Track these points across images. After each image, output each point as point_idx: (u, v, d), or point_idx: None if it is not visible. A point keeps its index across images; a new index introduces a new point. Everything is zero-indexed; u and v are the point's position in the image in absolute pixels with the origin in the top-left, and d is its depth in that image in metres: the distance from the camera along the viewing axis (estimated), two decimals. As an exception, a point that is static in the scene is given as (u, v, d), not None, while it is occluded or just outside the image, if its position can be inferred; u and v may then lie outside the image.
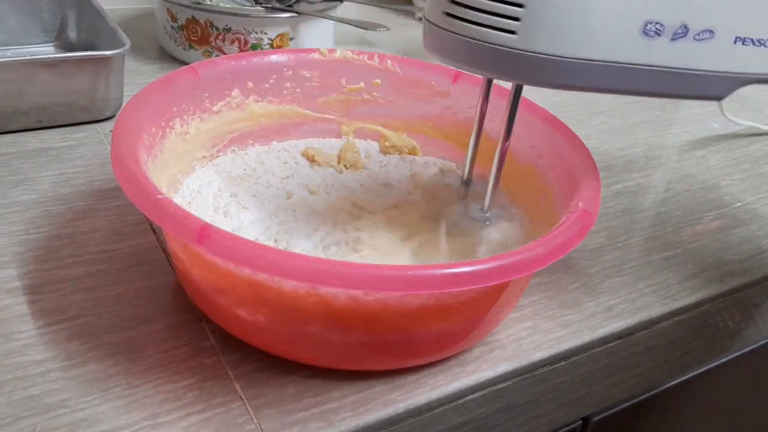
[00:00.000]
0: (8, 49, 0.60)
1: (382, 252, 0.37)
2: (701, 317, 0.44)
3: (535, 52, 0.30)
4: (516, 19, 0.29)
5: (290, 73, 0.45)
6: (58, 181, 0.45)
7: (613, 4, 0.29)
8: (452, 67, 0.34)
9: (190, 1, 0.61)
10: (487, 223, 0.38)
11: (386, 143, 0.48)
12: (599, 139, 0.61)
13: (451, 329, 0.33)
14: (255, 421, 0.31)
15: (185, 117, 0.41)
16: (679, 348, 0.44)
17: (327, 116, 0.47)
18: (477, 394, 0.35)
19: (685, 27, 0.30)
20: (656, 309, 0.41)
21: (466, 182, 0.40)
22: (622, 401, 0.47)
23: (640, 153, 0.59)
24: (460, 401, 0.35)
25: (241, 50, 0.62)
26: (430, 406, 0.34)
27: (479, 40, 0.30)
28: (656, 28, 0.30)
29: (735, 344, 0.50)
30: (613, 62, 0.30)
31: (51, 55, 0.51)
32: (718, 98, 0.34)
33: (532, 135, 0.42)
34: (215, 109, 0.43)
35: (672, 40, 0.30)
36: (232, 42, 0.61)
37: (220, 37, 0.61)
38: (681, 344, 0.44)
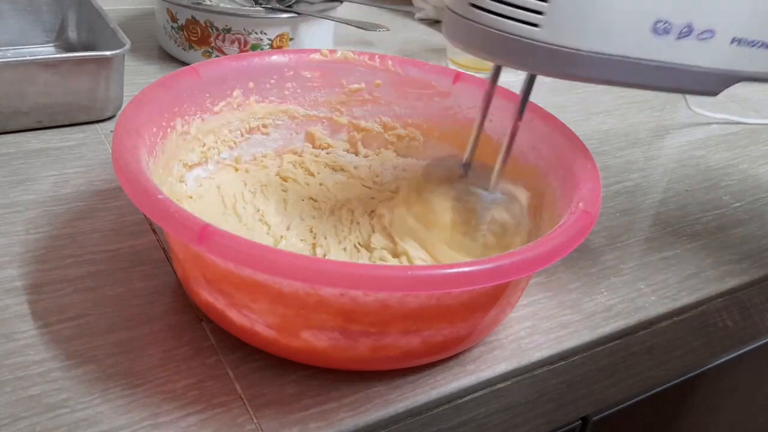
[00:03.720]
0: (9, 50, 0.61)
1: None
2: (701, 317, 0.44)
3: (555, 45, 0.32)
4: (540, 12, 0.31)
5: (291, 73, 0.45)
6: (58, 182, 0.45)
7: (628, 1, 0.31)
8: (474, 56, 0.36)
9: (190, 2, 0.61)
10: (492, 202, 0.38)
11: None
12: (599, 139, 0.61)
13: (451, 330, 0.33)
14: (255, 421, 0.31)
15: (186, 117, 0.41)
16: (679, 348, 0.44)
17: (328, 116, 0.47)
18: (477, 394, 0.35)
19: (690, 26, 0.32)
20: (656, 309, 0.41)
21: (466, 165, 0.40)
22: (621, 401, 0.47)
23: (639, 153, 0.59)
24: (460, 401, 0.35)
25: (241, 50, 0.62)
26: (429, 406, 0.34)
27: (503, 32, 0.32)
28: (665, 27, 0.32)
29: (735, 344, 0.50)
30: (625, 57, 0.33)
31: (51, 56, 0.51)
32: (713, 94, 0.36)
33: (533, 135, 0.42)
34: (216, 109, 0.43)
35: (678, 38, 0.33)
36: (232, 42, 0.61)
37: (220, 37, 0.61)
38: (681, 344, 0.44)
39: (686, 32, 0.32)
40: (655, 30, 0.32)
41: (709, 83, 0.35)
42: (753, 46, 0.34)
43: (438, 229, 0.38)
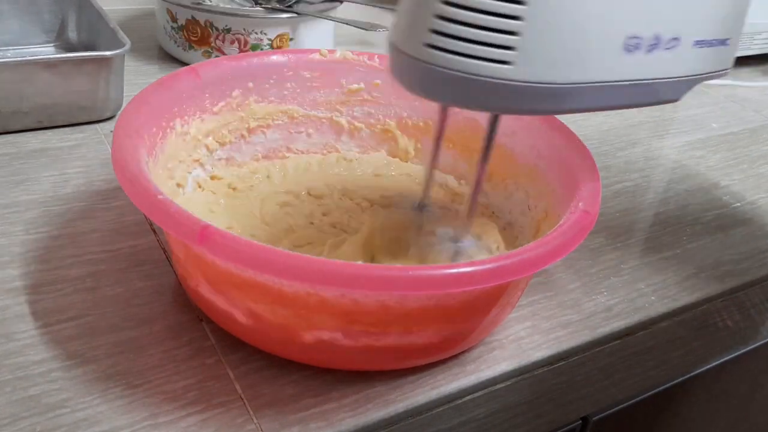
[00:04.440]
0: (9, 50, 0.60)
1: None
2: (700, 317, 0.44)
3: (528, 82, 0.28)
4: (511, 48, 0.27)
5: (291, 73, 0.45)
6: (58, 182, 0.45)
7: (599, 22, 0.29)
8: (431, 101, 0.31)
9: (190, 2, 0.61)
10: (459, 254, 0.36)
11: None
12: (599, 139, 0.61)
13: (452, 330, 0.33)
14: (255, 421, 0.31)
15: (186, 117, 0.41)
16: (679, 348, 0.44)
17: (327, 117, 0.47)
18: (476, 394, 0.35)
19: (658, 37, 0.31)
20: (655, 309, 0.41)
21: (421, 206, 0.37)
22: (621, 401, 0.47)
23: (639, 153, 0.59)
24: (460, 401, 0.35)
25: (241, 51, 0.62)
26: (429, 406, 0.34)
27: (467, 73, 0.28)
28: (635, 42, 0.30)
29: (734, 344, 0.50)
30: (602, 82, 0.30)
31: (51, 56, 0.51)
32: (675, 100, 0.34)
33: (532, 135, 0.42)
34: (215, 109, 0.43)
35: (647, 52, 0.31)
36: (232, 42, 0.61)
37: (220, 37, 0.61)
38: (680, 344, 0.44)
39: (655, 44, 0.31)
40: (626, 48, 0.30)
41: (674, 91, 0.34)
42: (711, 45, 0.33)
43: None
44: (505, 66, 0.27)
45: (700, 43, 0.32)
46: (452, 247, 0.35)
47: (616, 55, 0.30)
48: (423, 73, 0.28)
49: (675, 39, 0.31)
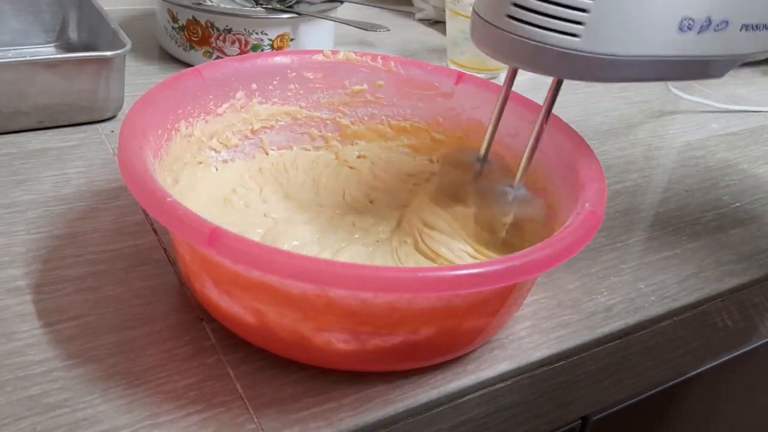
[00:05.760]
0: (9, 50, 0.61)
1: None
2: (700, 317, 0.44)
3: (593, 53, 0.32)
4: (580, 23, 0.31)
5: (294, 74, 0.45)
6: (59, 182, 0.45)
7: (658, 4, 0.32)
8: (507, 65, 0.36)
9: (191, 2, 0.61)
10: (515, 198, 0.38)
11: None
12: (599, 140, 0.61)
13: (458, 331, 0.33)
14: (255, 421, 0.31)
15: (190, 119, 0.40)
16: (679, 348, 0.45)
17: (330, 118, 0.47)
18: (476, 394, 0.35)
19: (709, 20, 0.34)
20: (655, 309, 0.41)
21: (483, 159, 0.41)
22: (621, 401, 0.47)
23: (639, 153, 0.59)
24: (460, 401, 0.35)
25: (242, 51, 0.62)
26: (429, 406, 0.34)
27: (541, 42, 0.32)
28: (689, 23, 0.33)
29: (734, 344, 0.50)
30: (656, 56, 0.34)
31: (52, 56, 0.51)
32: (719, 77, 0.38)
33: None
34: (219, 111, 0.43)
35: (699, 32, 0.34)
36: (233, 43, 0.61)
37: (221, 37, 0.61)
38: (680, 344, 0.44)
39: (706, 26, 0.34)
40: (680, 28, 0.33)
41: (719, 69, 0.37)
42: (757, 30, 0.36)
43: (462, 223, 0.39)
44: (574, 38, 0.31)
45: (746, 27, 0.36)
46: (509, 191, 0.38)
47: (670, 33, 0.33)
48: (501, 39, 0.33)
49: (724, 22, 0.34)
